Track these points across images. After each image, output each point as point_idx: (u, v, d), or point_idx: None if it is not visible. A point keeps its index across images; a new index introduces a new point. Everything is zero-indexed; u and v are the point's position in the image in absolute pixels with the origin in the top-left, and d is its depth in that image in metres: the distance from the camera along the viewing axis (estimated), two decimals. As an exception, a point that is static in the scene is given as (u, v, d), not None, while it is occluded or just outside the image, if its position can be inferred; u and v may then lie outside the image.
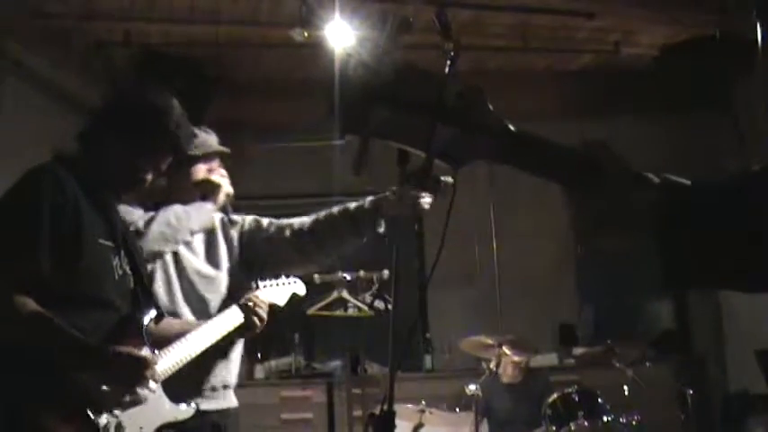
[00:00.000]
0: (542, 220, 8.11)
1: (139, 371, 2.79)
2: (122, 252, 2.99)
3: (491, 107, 1.43)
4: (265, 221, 3.81)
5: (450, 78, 1.46)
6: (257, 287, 3.65)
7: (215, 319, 3.37)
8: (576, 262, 8.71)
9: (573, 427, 5.99)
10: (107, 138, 2.98)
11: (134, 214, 3.45)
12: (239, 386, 3.69)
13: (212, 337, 3.28)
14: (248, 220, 3.82)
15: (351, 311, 5.94)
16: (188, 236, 3.55)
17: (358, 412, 6.52)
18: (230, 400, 3.64)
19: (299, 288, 3.87)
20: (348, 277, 5.57)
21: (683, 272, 1.41)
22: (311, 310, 5.69)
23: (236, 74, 7.97)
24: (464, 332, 6.86)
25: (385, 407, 1.97)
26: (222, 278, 3.64)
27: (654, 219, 1.40)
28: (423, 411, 6.15)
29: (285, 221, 3.77)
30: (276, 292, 3.72)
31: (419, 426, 6.15)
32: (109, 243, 2.92)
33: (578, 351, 8.15)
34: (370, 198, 3.60)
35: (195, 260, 3.59)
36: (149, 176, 3.01)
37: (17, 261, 2.70)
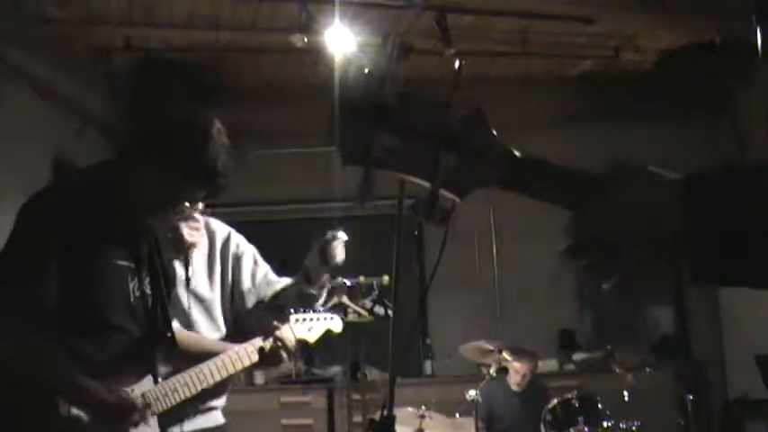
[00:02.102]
0: (542, 224, 8.10)
1: (126, 416, 2.72)
2: (143, 272, 2.86)
3: (494, 132, 1.40)
4: (259, 277, 3.55)
5: (454, 93, 1.41)
6: (287, 319, 3.35)
7: (231, 351, 3.14)
8: (576, 267, 8.69)
9: (573, 433, 6.00)
10: (140, 160, 2.80)
11: None
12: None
13: (225, 372, 3.09)
14: (245, 262, 3.55)
15: (351, 317, 5.93)
16: None
17: (358, 418, 6.52)
18: (217, 419, 3.49)
19: (336, 325, 3.56)
20: (348, 283, 5.54)
21: (710, 268, 1.34)
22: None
23: (236, 79, 7.99)
24: (464, 337, 6.85)
25: (385, 412, 1.97)
26: (215, 299, 3.46)
27: (673, 220, 1.33)
28: (423, 417, 6.13)
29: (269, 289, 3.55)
30: (309, 327, 3.44)
31: (419, 431, 6.14)
32: (127, 263, 2.81)
33: (578, 356, 8.16)
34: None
35: (191, 279, 3.41)
36: (181, 206, 2.88)
37: (21, 288, 2.59)
